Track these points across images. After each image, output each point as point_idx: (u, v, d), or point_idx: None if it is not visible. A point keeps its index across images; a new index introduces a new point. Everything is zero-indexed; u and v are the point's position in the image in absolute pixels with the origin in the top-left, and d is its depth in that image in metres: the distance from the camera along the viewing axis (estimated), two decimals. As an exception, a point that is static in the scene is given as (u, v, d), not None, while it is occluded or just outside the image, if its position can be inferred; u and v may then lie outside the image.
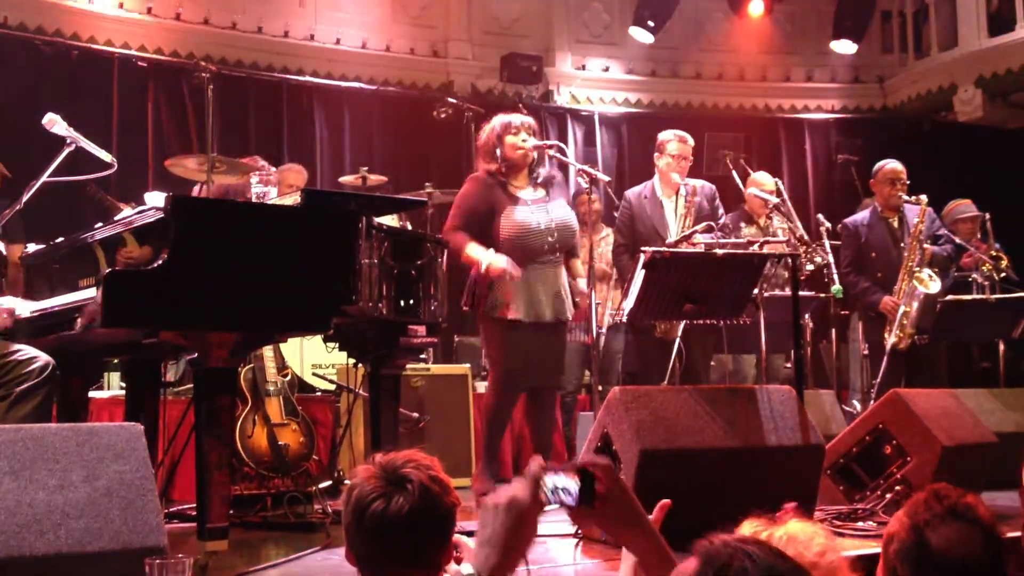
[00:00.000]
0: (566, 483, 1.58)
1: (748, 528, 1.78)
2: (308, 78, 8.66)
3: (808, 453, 3.97)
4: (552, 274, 4.98)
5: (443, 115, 6.91)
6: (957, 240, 6.70)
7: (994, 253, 7.19)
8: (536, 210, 4.97)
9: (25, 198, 4.07)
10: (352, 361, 4.62)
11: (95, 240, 3.73)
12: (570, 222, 5.06)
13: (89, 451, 2.72)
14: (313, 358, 5.86)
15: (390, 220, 5.23)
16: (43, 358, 3.54)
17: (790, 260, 4.86)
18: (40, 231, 4.56)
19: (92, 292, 3.24)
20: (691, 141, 5.98)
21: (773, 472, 3.80)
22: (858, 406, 6.69)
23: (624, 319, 4.70)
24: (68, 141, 4.16)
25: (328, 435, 5.64)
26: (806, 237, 5.50)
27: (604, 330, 6.39)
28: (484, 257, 4.82)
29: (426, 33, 9.37)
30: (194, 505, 3.50)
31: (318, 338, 5.02)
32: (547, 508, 1.57)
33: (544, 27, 9.78)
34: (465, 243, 4.86)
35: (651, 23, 9.45)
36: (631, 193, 6.10)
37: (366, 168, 6.78)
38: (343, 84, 8.81)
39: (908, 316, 6.12)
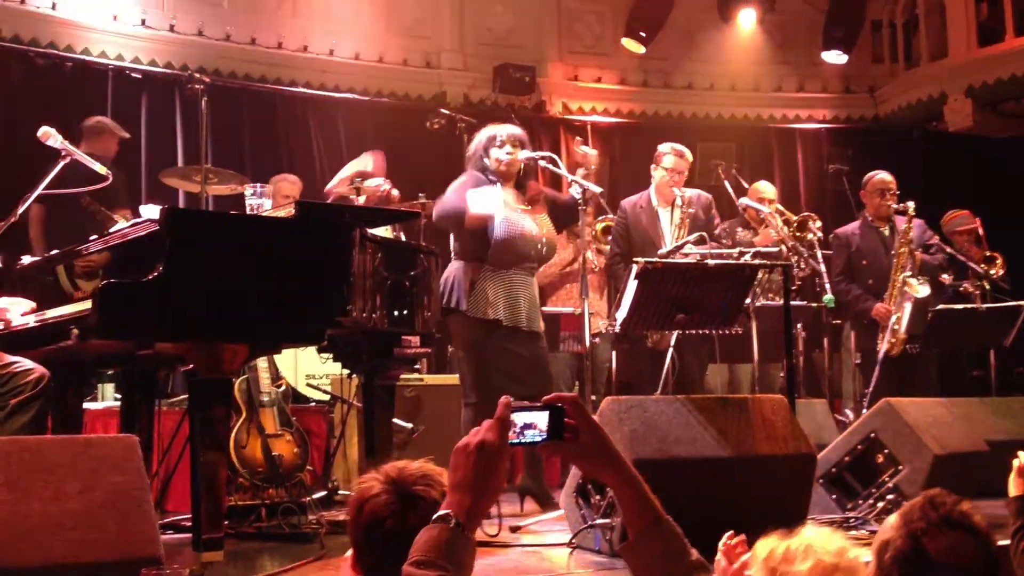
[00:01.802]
0: (535, 419, 1.59)
1: (766, 545, 1.78)
2: (302, 89, 8.69)
3: (800, 462, 3.99)
4: (531, 282, 5.03)
5: (436, 126, 6.93)
6: (948, 250, 6.74)
7: (988, 254, 7.22)
8: (526, 218, 5.00)
9: (20, 210, 4.08)
10: (346, 371, 4.63)
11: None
12: (553, 237, 5.12)
13: (85, 462, 2.74)
14: (307, 369, 5.87)
15: (383, 231, 5.25)
16: (38, 370, 3.55)
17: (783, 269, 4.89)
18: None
19: (87, 304, 3.26)
20: (688, 156, 6.01)
21: (765, 481, 3.82)
22: (850, 415, 6.72)
23: (617, 329, 4.72)
24: (63, 154, 4.17)
25: (322, 445, 5.64)
26: (793, 244, 5.56)
27: (597, 340, 6.41)
28: (495, 211, 4.81)
29: (419, 44, 9.40)
30: (189, 516, 3.52)
31: (312, 349, 5.02)
32: (516, 443, 1.58)
33: (536, 38, 9.82)
34: (465, 205, 4.83)
35: (643, 34, 9.50)
36: (627, 203, 6.13)
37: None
38: (336, 95, 8.84)
39: (900, 322, 6.18)
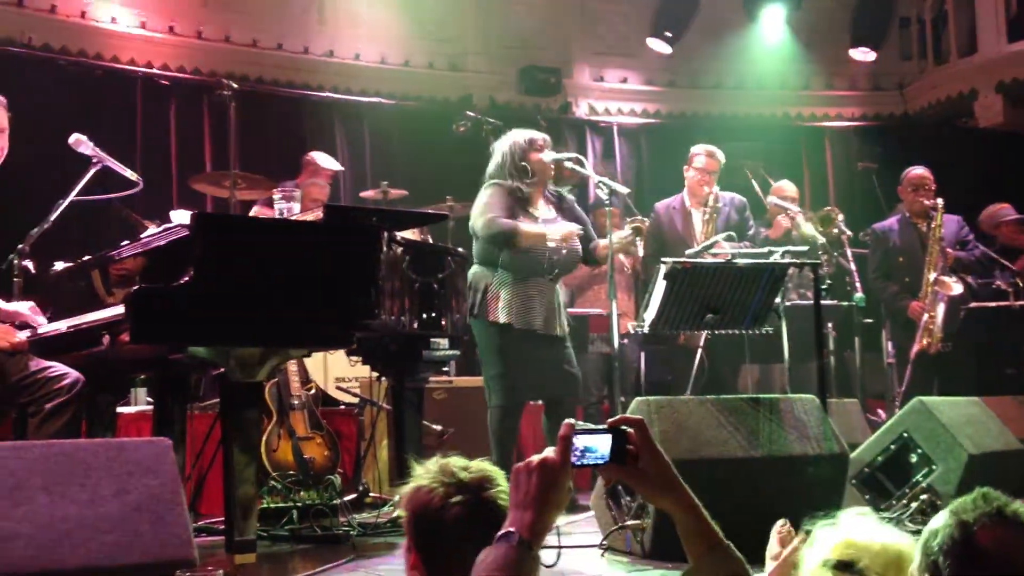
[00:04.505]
0: (598, 442, 1.60)
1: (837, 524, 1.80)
2: (328, 94, 8.73)
3: (832, 462, 3.97)
4: (549, 289, 5.01)
5: (462, 128, 6.94)
6: (989, 251, 6.66)
7: None
8: (547, 229, 4.99)
9: (52, 217, 4.11)
10: (375, 374, 4.65)
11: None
12: (575, 246, 5.09)
13: (119, 466, 2.76)
14: (337, 371, 5.89)
15: (411, 234, 5.26)
16: (72, 375, 3.58)
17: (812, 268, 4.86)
18: (67, 250, 4.61)
19: (119, 309, 3.28)
20: (720, 156, 6.02)
21: (797, 482, 3.80)
22: (883, 414, 6.67)
23: (646, 330, 4.71)
24: (94, 160, 4.21)
25: (352, 448, 5.67)
26: (823, 243, 5.54)
27: (625, 341, 6.40)
28: (546, 230, 4.91)
29: (444, 47, 9.42)
30: (222, 519, 3.54)
31: (342, 352, 5.05)
32: (578, 464, 1.58)
33: (562, 39, 9.81)
34: (517, 224, 4.93)
35: (668, 33, 9.46)
36: (660, 205, 6.18)
37: (387, 182, 6.83)
38: (363, 99, 8.87)
39: (934, 321, 6.13)
